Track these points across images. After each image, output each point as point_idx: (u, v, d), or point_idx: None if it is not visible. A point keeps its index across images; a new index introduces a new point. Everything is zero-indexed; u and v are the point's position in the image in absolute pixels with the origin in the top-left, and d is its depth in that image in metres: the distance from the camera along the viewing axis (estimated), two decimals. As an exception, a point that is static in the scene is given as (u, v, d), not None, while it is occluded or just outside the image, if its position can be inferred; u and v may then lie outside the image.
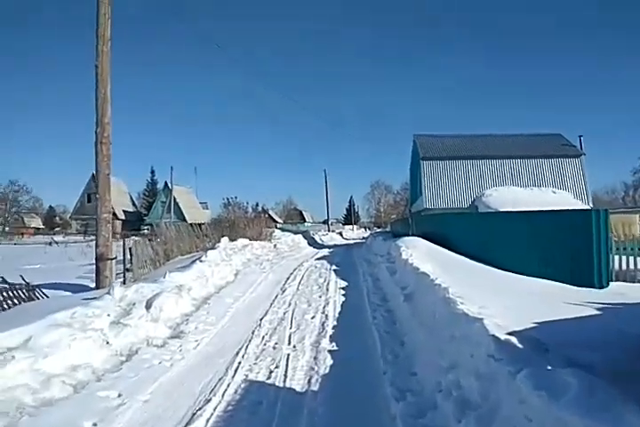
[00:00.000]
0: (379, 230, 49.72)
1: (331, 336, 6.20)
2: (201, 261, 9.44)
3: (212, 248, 11.50)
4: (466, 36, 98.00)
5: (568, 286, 8.33)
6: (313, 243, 27.90)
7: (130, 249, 10.24)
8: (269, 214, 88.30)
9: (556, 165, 23.09)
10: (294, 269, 12.46)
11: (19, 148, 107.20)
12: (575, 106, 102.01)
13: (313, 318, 7.26)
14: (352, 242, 35.69)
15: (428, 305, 6.15)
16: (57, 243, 28.76)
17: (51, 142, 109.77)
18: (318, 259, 16.03)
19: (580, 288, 8.35)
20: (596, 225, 9.11)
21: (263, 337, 6.29)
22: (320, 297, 8.77)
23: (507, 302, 6.03)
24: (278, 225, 77.91)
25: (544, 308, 6.09)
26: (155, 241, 12.56)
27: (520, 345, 3.99)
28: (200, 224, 17.55)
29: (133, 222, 49.74)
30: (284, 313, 7.59)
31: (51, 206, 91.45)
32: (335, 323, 6.91)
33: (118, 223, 50.00)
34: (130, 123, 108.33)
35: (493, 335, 3.99)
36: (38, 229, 69.20)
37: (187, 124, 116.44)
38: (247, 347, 5.84)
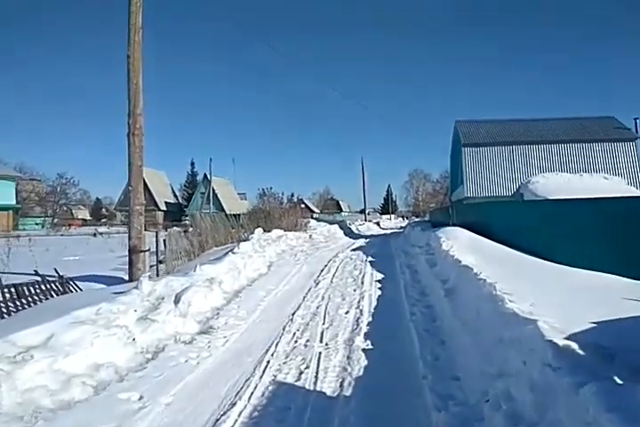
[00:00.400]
0: (417, 220, 48.67)
1: (365, 333, 5.83)
2: (233, 253, 9.26)
3: (246, 239, 11.32)
4: (506, 16, 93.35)
5: (634, 280, 7.58)
6: (349, 233, 27.51)
7: (164, 241, 10.19)
8: (306, 204, 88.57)
9: (609, 149, 21.59)
10: (329, 261, 12.13)
11: (66, 141, 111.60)
12: (629, 87, 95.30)
13: (347, 313, 6.91)
14: (389, 232, 35.06)
15: (471, 302, 5.67)
16: (101, 234, 29.64)
17: (98, 135, 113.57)
18: (354, 250, 15.64)
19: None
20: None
21: (294, 333, 6.00)
22: (355, 291, 8.41)
23: (561, 299, 5.48)
24: (315, 215, 78.14)
25: (603, 305, 5.49)
26: (189, 232, 12.52)
27: (581, 351, 3.49)
28: (236, 215, 17.49)
29: (175, 213, 50.78)
30: (317, 307, 7.28)
31: (98, 198, 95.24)
32: (370, 319, 6.53)
33: (160, 214, 51.30)
34: (172, 115, 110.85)
35: (550, 341, 3.51)
36: (85, 220, 72.14)
37: (225, 116, 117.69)
38: (277, 344, 5.57)
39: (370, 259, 12.24)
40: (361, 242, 20.79)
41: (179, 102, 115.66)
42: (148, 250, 8.76)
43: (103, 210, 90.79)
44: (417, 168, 78.91)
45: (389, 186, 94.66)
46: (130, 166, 9.01)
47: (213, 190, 45.69)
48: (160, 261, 9.85)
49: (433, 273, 8.49)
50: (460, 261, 7.57)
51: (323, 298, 7.91)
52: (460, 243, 9.57)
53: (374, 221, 55.45)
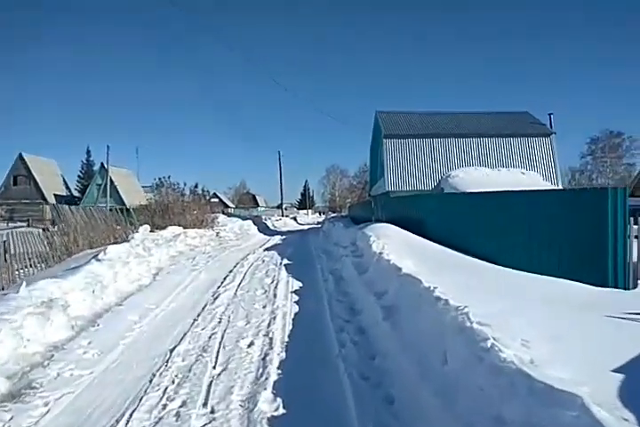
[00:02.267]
0: (334, 215, 47.76)
1: (275, 386, 3.87)
2: (98, 260, 6.78)
3: (126, 240, 8.80)
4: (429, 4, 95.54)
5: (588, 286, 6.38)
6: (264, 229, 25.39)
7: (4, 243, 7.39)
8: (220, 199, 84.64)
9: (526, 144, 21.61)
10: (235, 265, 9.98)
11: None
12: (544, 83, 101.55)
13: (250, 345, 4.89)
14: (307, 227, 33.45)
15: (427, 335, 3.91)
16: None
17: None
18: (268, 249, 13.59)
19: (602, 289, 6.45)
20: (612, 206, 7.27)
21: (165, 389, 3.87)
22: (264, 307, 6.39)
23: (546, 326, 3.89)
24: (229, 210, 74.65)
25: (598, 332, 4.01)
26: (51, 231, 9.69)
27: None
28: (126, 209, 14.64)
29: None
30: (210, 337, 5.17)
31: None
32: (283, 355, 4.57)
33: (48, 208, 45.19)
34: (69, 98, 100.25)
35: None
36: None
37: (129, 101, 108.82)
38: (132, 415, 3.43)
39: (285, 261, 10.27)
40: (276, 239, 18.79)
41: (77, 84, 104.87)
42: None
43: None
44: (334, 164, 78.58)
45: (307, 181, 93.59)
46: None
47: (112, 182, 40.92)
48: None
49: (363, 281, 6.71)
50: (399, 268, 5.85)
51: (220, 321, 5.81)
52: (393, 243, 7.92)
53: (291, 216, 53.75)
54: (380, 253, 6.97)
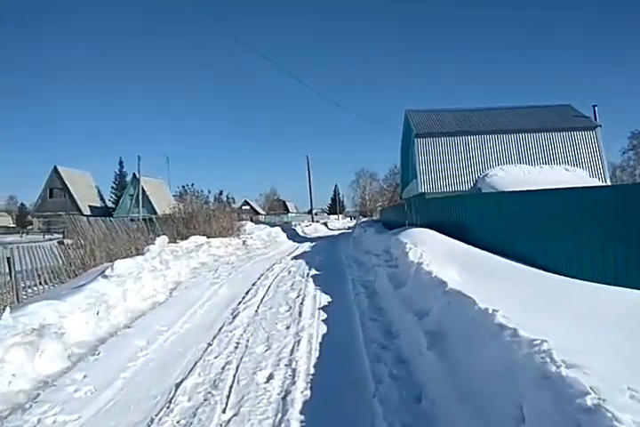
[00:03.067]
0: (365, 220, 46.72)
1: (296, 441, 3.05)
2: (104, 277, 6.16)
3: (140, 253, 8.20)
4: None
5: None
6: (293, 236, 24.72)
7: (8, 259, 6.89)
8: (251, 206, 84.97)
9: (568, 138, 20.11)
10: (260, 277, 9.24)
11: None
12: (580, 76, 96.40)
13: (269, 380, 4.10)
14: (337, 233, 32.63)
15: (491, 376, 3.01)
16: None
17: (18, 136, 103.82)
18: (296, 258, 12.83)
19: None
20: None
21: (162, 444, 3.12)
22: (288, 328, 5.60)
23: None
24: (261, 217, 74.58)
25: None
26: (67, 245, 9.22)
27: None
28: (149, 219, 14.21)
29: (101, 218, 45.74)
30: (223, 368, 4.42)
31: (22, 204, 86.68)
32: (308, 394, 3.76)
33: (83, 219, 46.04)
34: (100, 111, 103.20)
35: None
36: (8, 227, 64.91)
37: (160, 112, 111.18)
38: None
39: (313, 272, 9.47)
40: (305, 247, 18.05)
41: (107, 96, 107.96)
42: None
43: (29, 216, 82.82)
44: (363, 167, 77.67)
45: (336, 186, 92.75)
46: None
47: (144, 192, 41.27)
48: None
49: (400, 297, 5.82)
50: (443, 283, 4.94)
51: (237, 346, 5.05)
52: (432, 250, 7.01)
53: (322, 221, 53.05)
54: (419, 264, 6.07)
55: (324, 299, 6.98)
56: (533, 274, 5.76)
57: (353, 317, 5.94)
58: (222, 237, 14.26)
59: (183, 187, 17.64)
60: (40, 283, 7.64)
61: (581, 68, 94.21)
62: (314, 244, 19.77)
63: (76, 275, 8.61)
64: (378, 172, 78.31)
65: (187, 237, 12.37)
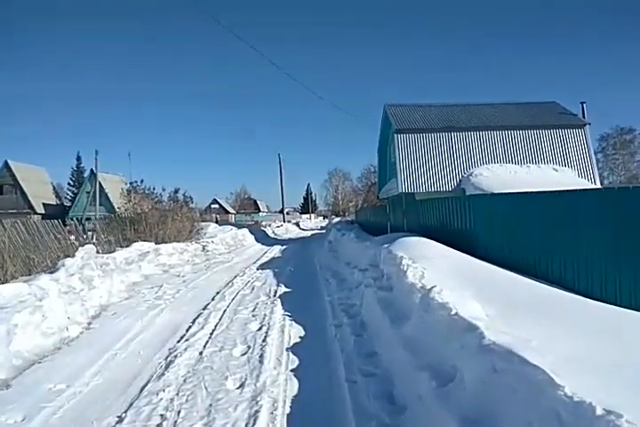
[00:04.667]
0: (338, 219, 45.20)
1: None
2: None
3: (52, 271, 6.21)
4: None
5: None
6: (262, 238, 22.85)
7: None
8: (220, 204, 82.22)
9: (555, 136, 18.97)
10: (215, 296, 7.42)
11: None
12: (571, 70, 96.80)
13: None
14: (310, 234, 30.97)
15: None
16: None
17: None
18: (262, 267, 11.03)
19: None
20: None
21: None
22: (241, 387, 3.83)
23: None
24: (231, 216, 72.01)
25: None
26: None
27: None
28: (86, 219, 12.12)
29: (55, 216, 42.48)
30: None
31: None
32: None
33: (37, 218, 42.74)
34: (58, 103, 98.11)
35: None
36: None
37: (121, 105, 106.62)
38: None
39: (282, 289, 7.69)
40: (275, 251, 16.26)
41: (65, 86, 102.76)
42: None
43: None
44: (336, 167, 76.43)
45: (309, 185, 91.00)
46: None
47: (102, 189, 38.39)
48: None
49: (403, 340, 4.13)
50: (472, 327, 3.29)
51: (159, 424, 3.26)
52: (435, 268, 5.36)
53: (294, 221, 51.27)
54: (427, 290, 4.39)
55: (295, 333, 5.23)
56: (590, 307, 4.15)
57: (335, 366, 4.21)
58: (177, 241, 12.33)
59: (131, 183, 15.56)
60: None
61: (568, 64, 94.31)
62: (284, 247, 18.01)
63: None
64: (351, 171, 76.90)
65: (127, 245, 10.39)
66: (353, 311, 5.75)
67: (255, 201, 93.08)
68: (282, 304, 6.60)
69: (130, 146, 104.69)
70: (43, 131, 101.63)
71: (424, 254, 5.91)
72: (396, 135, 19.61)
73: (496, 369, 2.76)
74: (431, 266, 5.47)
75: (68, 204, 47.93)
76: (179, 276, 9.29)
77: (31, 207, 42.66)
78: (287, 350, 4.68)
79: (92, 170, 41.79)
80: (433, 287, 4.34)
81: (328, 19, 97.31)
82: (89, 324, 5.68)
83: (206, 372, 4.18)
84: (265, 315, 6.04)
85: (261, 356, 4.50)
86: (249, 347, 4.82)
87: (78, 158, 53.48)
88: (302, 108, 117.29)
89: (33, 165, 46.77)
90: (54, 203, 46.60)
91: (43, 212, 42.59)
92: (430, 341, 3.80)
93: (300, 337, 5.11)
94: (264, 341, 4.96)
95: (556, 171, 18.08)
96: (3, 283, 7.27)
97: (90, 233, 11.82)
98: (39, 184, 45.57)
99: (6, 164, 43.46)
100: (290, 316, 5.92)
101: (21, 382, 4.01)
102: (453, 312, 3.72)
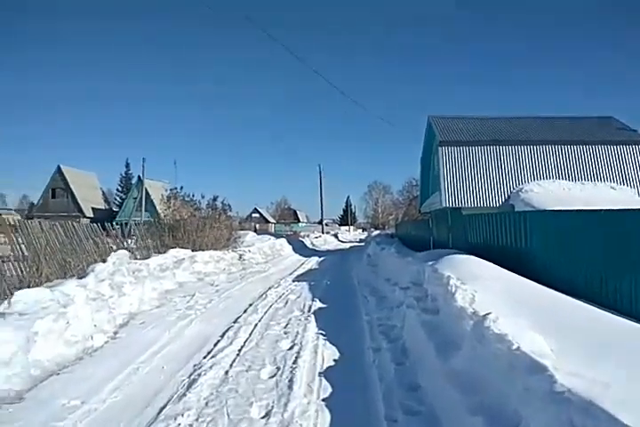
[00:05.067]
0: (377, 232, 44.46)
1: None
2: (1, 315, 4.06)
3: (81, 276, 6.08)
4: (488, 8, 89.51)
5: None
6: (300, 249, 22.56)
7: None
8: (261, 214, 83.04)
9: (612, 153, 17.78)
10: (247, 308, 7.10)
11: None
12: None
13: None
14: (349, 246, 30.47)
15: None
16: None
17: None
18: (298, 279, 10.68)
19: None
20: None
21: None
22: (267, 417, 3.44)
23: None
24: (271, 225, 72.47)
25: None
26: (8, 255, 7.15)
27: None
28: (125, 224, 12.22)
29: (103, 221, 43.92)
30: None
31: (32, 204, 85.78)
32: None
33: (86, 222, 44.43)
34: (112, 113, 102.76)
35: None
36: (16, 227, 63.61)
37: (171, 115, 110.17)
38: None
39: (317, 304, 7.28)
40: (312, 263, 15.89)
41: (119, 98, 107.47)
42: None
43: (34, 217, 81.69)
44: (376, 180, 75.79)
45: (348, 197, 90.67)
46: None
47: (147, 195, 39.41)
48: None
49: (451, 375, 3.62)
50: (541, 368, 2.77)
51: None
52: (487, 290, 4.81)
53: (332, 232, 50.92)
54: (480, 317, 3.87)
55: (329, 355, 4.80)
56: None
57: (373, 398, 3.75)
58: (214, 249, 12.19)
59: (171, 190, 15.67)
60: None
61: (625, 78, 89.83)
62: (322, 259, 17.62)
63: (8, 296, 6.52)
64: (391, 184, 76.11)
65: (163, 252, 10.31)
66: (393, 334, 5.26)
67: (295, 211, 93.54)
68: (316, 321, 6.19)
69: (177, 154, 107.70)
70: (95, 138, 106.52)
71: (474, 274, 5.36)
72: (440, 148, 18.96)
73: (575, 426, 2.24)
74: (482, 288, 4.92)
75: (116, 209, 49.56)
76: (213, 285, 9.07)
77: (80, 211, 44.37)
78: (320, 374, 4.26)
79: (139, 176, 43.18)
80: (488, 314, 3.82)
81: (366, 28, 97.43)
82: (115, 333, 5.47)
83: (230, 395, 3.82)
84: (297, 332, 5.64)
85: (291, 380, 4.10)
86: (278, 368, 4.43)
87: (127, 165, 55.59)
88: (344, 121, 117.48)
89: (84, 170, 48.82)
90: (103, 207, 48.34)
91: (92, 216, 44.21)
92: (485, 377, 3.28)
93: (335, 360, 4.68)
94: (295, 362, 4.56)
95: (614, 189, 16.87)
96: (37, 285, 7.28)
97: (132, 238, 11.89)
98: (89, 189, 47.43)
99: (59, 168, 45.54)
100: (324, 335, 5.50)
101: (36, 395, 3.77)
102: (514, 346, 3.20)
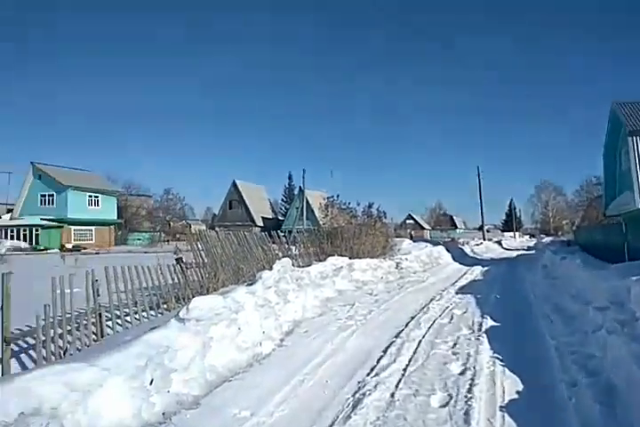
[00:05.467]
0: (550, 239, 39.76)
1: None
2: (180, 321, 4.38)
3: (250, 283, 6.38)
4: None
5: None
6: (459, 256, 21.23)
7: (93, 283, 5.66)
8: (415, 220, 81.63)
9: None
10: (409, 321, 6.68)
11: (172, 157, 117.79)
12: None
13: None
14: (515, 254, 27.69)
15: None
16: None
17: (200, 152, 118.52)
18: (462, 290, 9.86)
19: None
20: None
21: None
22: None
23: None
24: (426, 232, 70.71)
25: None
26: (185, 262, 7.99)
27: None
28: (288, 232, 12.81)
29: (271, 229, 47.98)
30: None
31: (215, 214, 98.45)
32: None
33: (257, 231, 49.05)
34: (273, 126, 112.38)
35: None
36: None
37: (325, 126, 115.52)
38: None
39: (488, 322, 6.49)
40: (476, 273, 14.71)
41: (279, 113, 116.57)
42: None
43: (215, 226, 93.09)
44: (545, 180, 67.82)
45: (512, 200, 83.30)
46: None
47: (308, 204, 41.84)
48: (6, 341, 4.72)
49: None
50: None
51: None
52: None
53: (495, 239, 47.20)
54: None
55: (510, 385, 4.11)
56: None
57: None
58: (371, 257, 12.08)
59: (328, 198, 16.07)
60: (144, 310, 6.39)
61: None
62: (486, 268, 16.23)
63: (188, 300, 7.24)
64: (563, 185, 67.54)
65: (322, 259, 10.50)
66: (591, 365, 4.31)
67: (451, 217, 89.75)
68: (489, 342, 5.47)
69: (334, 164, 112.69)
70: (263, 153, 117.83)
71: None
72: (630, 138, 16.00)
73: None
74: None
75: (282, 218, 53.76)
76: (371, 294, 8.88)
77: (252, 220, 49.24)
78: (501, 409, 3.64)
79: (300, 187, 46.20)
80: None
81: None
82: (281, 340, 5.58)
83: (399, 423, 3.46)
84: (469, 354, 5.03)
85: (467, 413, 3.56)
86: (450, 396, 3.93)
87: (290, 177, 60.08)
88: (505, 117, 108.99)
89: (254, 183, 54.13)
90: (270, 217, 52.93)
91: (262, 225, 48.69)
92: None
93: (517, 392, 3.98)
94: (469, 391, 3.99)
95: None
96: (214, 289, 7.95)
97: (295, 245, 12.49)
98: (259, 200, 52.46)
99: (234, 183, 51.28)
100: (501, 360, 4.79)
101: (210, 402, 3.93)
102: None
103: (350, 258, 10.70)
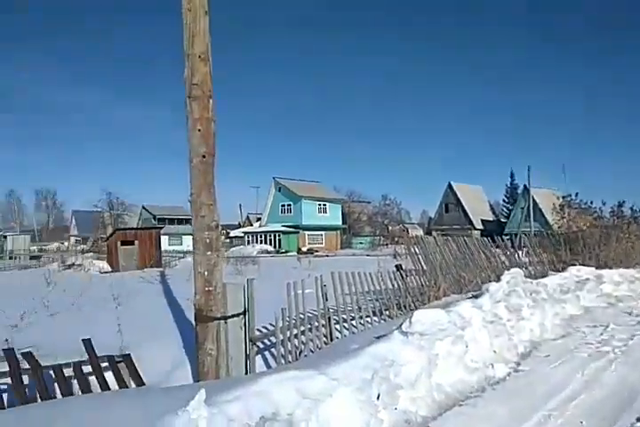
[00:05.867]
0: None
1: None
2: (403, 334, 4.18)
3: (475, 295, 5.78)
4: None
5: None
6: None
7: (322, 287, 5.99)
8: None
9: None
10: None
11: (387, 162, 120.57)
12: None
13: None
14: None
15: None
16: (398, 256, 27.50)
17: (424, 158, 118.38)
18: None
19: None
20: None
21: None
22: None
23: None
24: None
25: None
26: (406, 270, 7.84)
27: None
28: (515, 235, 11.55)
29: (492, 233, 44.80)
30: None
31: (430, 218, 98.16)
32: None
33: (476, 234, 46.59)
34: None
35: None
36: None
37: (553, 120, 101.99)
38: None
39: None
40: None
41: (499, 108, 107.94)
42: (234, 316, 4.66)
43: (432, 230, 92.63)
44: None
45: None
46: (190, 157, 4.80)
47: (535, 204, 37.55)
48: (252, 341, 5.15)
49: None
50: None
51: None
52: None
53: None
54: None
55: None
56: None
57: None
58: (625, 267, 9.85)
59: (563, 197, 13.85)
60: (362, 317, 6.52)
61: None
62: None
63: (413, 308, 7.11)
64: None
65: (570, 265, 9.02)
66: None
67: None
68: None
69: (565, 158, 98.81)
70: (480, 151, 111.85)
71: None
72: None
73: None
74: None
75: (504, 220, 49.86)
76: (630, 314, 7.17)
77: (471, 223, 47.03)
78: None
79: (524, 186, 41.98)
80: None
81: None
82: (517, 364, 4.89)
83: None
84: None
85: None
86: None
87: (511, 175, 55.23)
88: None
89: (470, 184, 51.67)
90: (491, 219, 49.66)
91: (481, 228, 46.11)
92: None
93: None
94: None
95: None
96: (436, 298, 7.64)
97: (522, 251, 11.22)
98: (477, 202, 49.80)
99: (449, 185, 49.98)
100: None
101: (440, 426, 3.62)
102: None
103: (597, 268, 8.93)
